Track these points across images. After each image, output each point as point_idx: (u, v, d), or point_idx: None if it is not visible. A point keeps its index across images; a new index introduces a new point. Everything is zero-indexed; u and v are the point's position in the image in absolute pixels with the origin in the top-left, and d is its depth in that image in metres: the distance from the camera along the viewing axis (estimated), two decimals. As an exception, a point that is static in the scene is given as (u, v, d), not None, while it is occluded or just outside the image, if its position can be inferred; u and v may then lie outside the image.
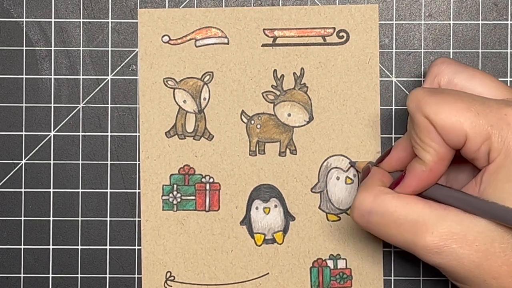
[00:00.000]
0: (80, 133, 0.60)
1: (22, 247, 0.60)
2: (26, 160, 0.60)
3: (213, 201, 0.60)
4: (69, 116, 0.60)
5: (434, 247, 0.50)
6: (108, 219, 0.60)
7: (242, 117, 0.60)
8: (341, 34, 0.60)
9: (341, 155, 0.60)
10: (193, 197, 0.60)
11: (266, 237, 0.60)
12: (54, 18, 0.60)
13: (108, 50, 0.60)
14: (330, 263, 0.60)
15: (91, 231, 0.60)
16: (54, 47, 0.60)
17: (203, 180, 0.60)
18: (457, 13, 0.60)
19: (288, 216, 0.60)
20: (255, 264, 0.60)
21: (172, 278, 0.60)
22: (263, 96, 0.60)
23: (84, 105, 0.60)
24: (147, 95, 0.60)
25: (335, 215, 0.60)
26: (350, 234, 0.60)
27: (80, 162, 0.60)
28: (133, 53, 0.60)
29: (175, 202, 0.60)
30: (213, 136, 0.60)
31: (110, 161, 0.60)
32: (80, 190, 0.60)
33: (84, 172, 0.60)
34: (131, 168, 0.60)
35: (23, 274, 0.60)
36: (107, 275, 0.60)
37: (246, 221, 0.60)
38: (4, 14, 0.60)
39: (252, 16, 0.60)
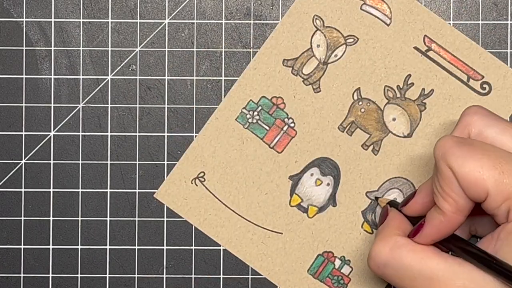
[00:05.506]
0: (80, 133, 0.60)
1: (22, 247, 0.60)
2: (26, 160, 0.60)
3: (281, 142, 0.59)
4: (69, 116, 0.60)
5: None
6: (108, 219, 0.60)
7: (355, 94, 0.59)
8: (484, 85, 0.59)
9: (403, 178, 0.60)
10: (267, 128, 0.59)
11: (301, 203, 0.60)
12: (54, 18, 0.60)
13: (108, 50, 0.60)
14: (337, 263, 0.59)
15: (91, 231, 0.60)
16: (54, 47, 0.60)
17: (286, 120, 0.59)
18: (457, 13, 0.60)
19: (332, 201, 0.59)
20: (276, 218, 0.60)
21: (202, 179, 0.59)
22: (384, 89, 0.59)
23: (84, 105, 0.60)
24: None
25: (370, 226, 0.60)
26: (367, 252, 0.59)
27: (80, 162, 0.60)
28: (133, 53, 0.60)
29: (250, 120, 0.60)
30: (320, 91, 0.59)
31: (110, 161, 0.60)
32: (80, 190, 0.60)
33: (84, 172, 0.60)
34: (131, 168, 0.60)
35: (23, 274, 0.60)
36: (107, 275, 0.60)
37: (296, 179, 0.60)
38: (4, 14, 0.60)
39: (423, 18, 0.59)
